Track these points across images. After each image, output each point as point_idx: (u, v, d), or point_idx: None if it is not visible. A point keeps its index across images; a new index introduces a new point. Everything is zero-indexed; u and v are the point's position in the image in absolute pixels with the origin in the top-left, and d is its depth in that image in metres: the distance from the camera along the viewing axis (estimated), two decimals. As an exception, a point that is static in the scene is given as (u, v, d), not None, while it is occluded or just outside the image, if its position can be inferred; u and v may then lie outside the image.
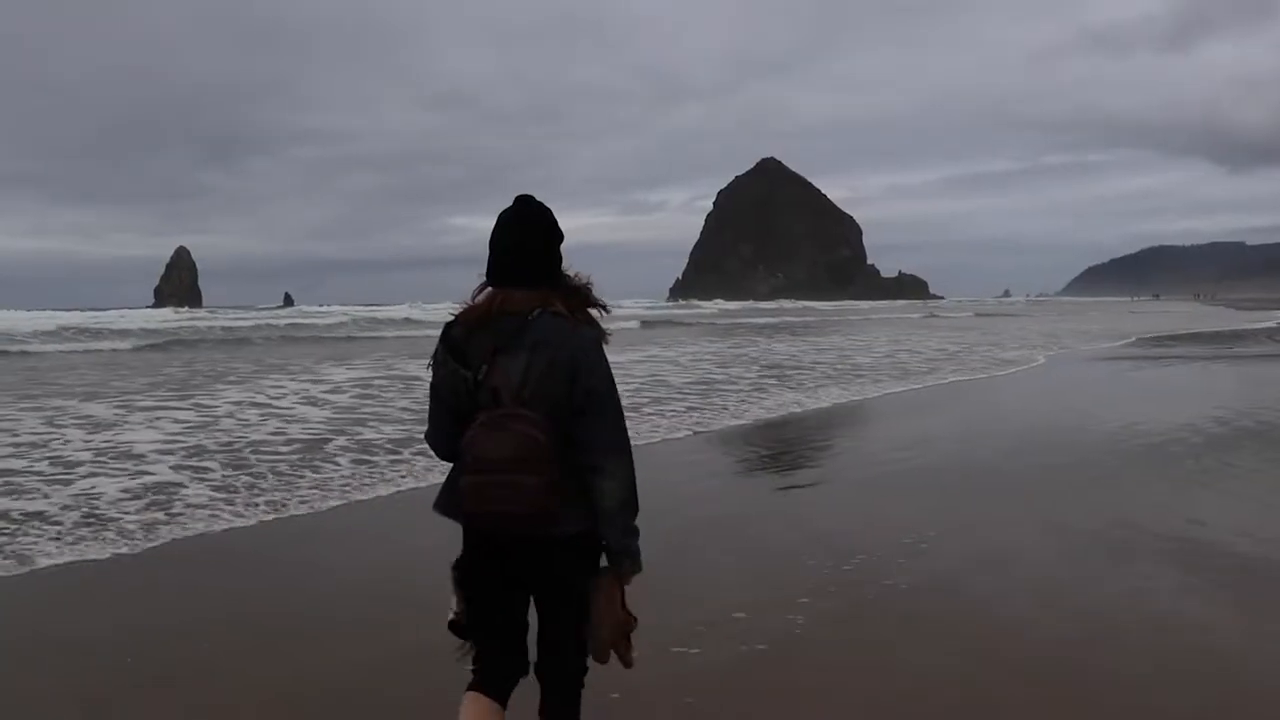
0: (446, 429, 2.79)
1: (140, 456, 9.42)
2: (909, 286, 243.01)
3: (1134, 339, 34.40)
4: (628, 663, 2.87)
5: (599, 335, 2.80)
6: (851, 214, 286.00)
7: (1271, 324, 46.97)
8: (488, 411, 2.66)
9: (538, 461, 2.59)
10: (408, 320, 44.44)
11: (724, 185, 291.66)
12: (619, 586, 2.78)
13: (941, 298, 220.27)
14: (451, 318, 2.82)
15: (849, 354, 25.40)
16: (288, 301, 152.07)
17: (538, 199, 2.86)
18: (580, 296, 2.82)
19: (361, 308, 64.44)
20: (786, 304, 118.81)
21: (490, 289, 2.79)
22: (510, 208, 2.83)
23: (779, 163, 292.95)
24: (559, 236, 2.85)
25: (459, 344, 2.75)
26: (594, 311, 2.84)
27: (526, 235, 2.79)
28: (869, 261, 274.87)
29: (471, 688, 2.87)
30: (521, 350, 2.67)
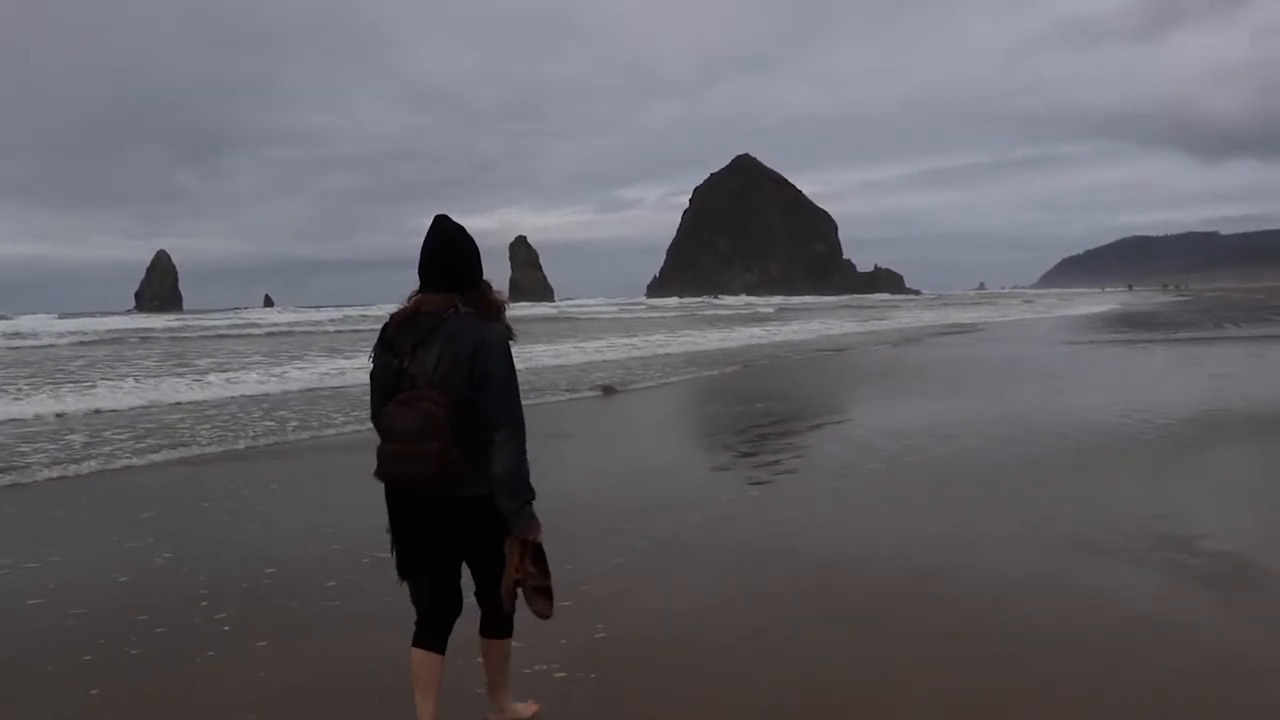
0: (380, 409, 3.39)
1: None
2: (885, 281, 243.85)
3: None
4: (538, 613, 3.45)
5: (504, 331, 3.41)
6: (826, 209, 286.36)
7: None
8: (403, 393, 3.28)
9: (437, 433, 3.17)
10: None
11: (699, 182, 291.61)
12: (517, 543, 3.33)
13: (918, 292, 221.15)
14: (388, 318, 3.46)
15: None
16: (268, 303, 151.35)
17: (452, 218, 3.49)
18: (492, 307, 3.44)
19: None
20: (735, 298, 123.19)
21: (417, 294, 3.43)
22: (431, 227, 3.46)
23: (754, 159, 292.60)
24: (472, 249, 3.50)
25: (390, 338, 3.41)
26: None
27: (443, 250, 3.44)
28: (845, 256, 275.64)
29: (414, 643, 3.50)
30: (436, 343, 3.30)
